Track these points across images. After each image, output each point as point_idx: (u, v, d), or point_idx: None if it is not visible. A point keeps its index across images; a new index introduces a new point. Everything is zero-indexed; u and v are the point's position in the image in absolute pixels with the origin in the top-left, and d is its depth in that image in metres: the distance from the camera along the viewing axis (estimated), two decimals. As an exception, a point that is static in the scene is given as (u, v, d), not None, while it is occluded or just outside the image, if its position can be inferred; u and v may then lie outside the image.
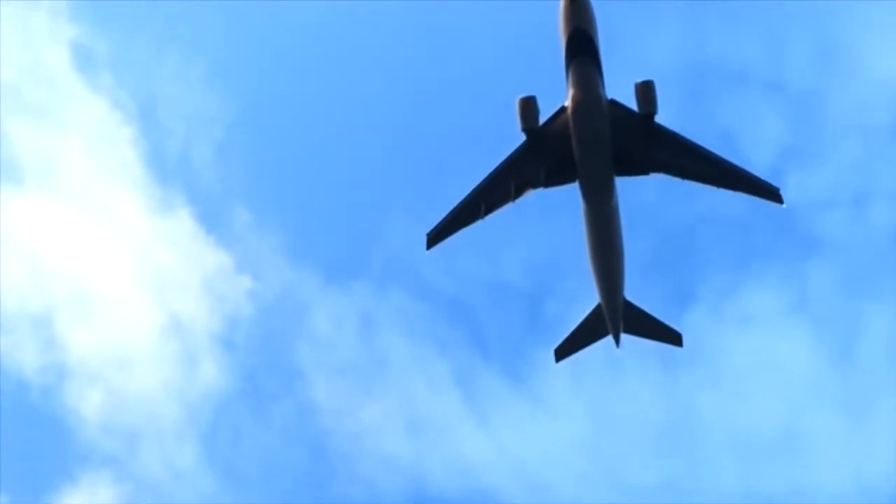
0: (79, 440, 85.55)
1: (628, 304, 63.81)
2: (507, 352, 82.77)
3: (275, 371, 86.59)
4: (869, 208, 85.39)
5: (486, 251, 78.08)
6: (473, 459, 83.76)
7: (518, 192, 58.70)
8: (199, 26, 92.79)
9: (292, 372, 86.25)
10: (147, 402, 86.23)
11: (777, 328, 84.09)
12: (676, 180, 58.36)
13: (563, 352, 66.08)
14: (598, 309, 64.05)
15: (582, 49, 56.42)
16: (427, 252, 59.18)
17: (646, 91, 56.74)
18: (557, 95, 57.84)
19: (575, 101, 56.92)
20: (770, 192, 57.86)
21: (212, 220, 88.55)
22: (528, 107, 57.37)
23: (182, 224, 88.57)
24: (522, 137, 57.99)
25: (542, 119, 57.74)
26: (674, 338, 65.66)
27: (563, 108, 57.62)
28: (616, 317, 63.60)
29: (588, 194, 58.60)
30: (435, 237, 59.16)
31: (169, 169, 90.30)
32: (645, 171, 58.37)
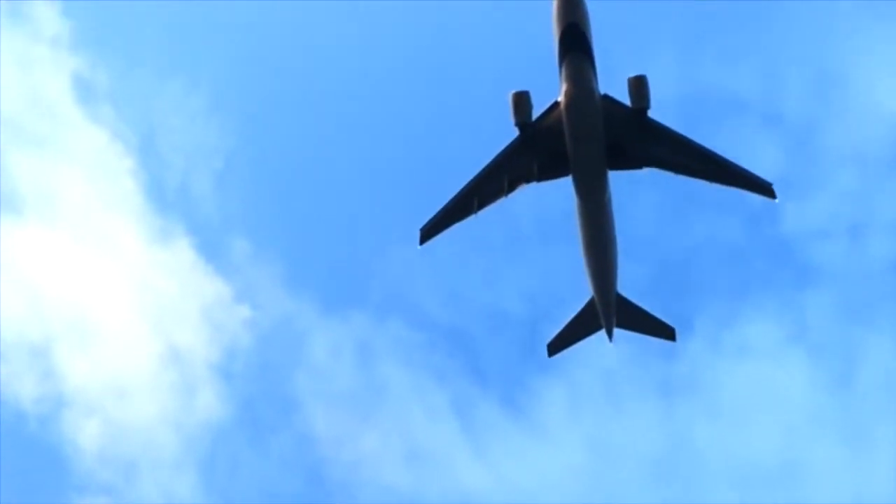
0: (76, 470, 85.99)
1: (621, 299, 63.97)
2: (505, 381, 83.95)
3: (273, 400, 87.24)
4: (865, 238, 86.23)
5: (484, 279, 79.15)
6: (471, 488, 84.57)
7: (511, 187, 58.78)
8: (198, 59, 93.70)
9: (290, 401, 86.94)
10: (145, 432, 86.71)
11: (775, 357, 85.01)
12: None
13: (555, 346, 66.25)
14: (591, 303, 64.20)
15: (575, 44, 56.54)
16: (420, 247, 59.40)
17: (639, 86, 56.88)
18: (551, 91, 58.10)
19: (568, 95, 57.04)
20: (763, 188, 57.94)
21: (211, 249, 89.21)
22: (522, 101, 57.47)
23: (181, 254, 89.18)
24: (516, 132, 58.16)
25: (536, 114, 57.90)
26: (667, 332, 65.81)
27: (556, 103, 57.74)
28: (609, 311, 63.73)
29: (581, 188, 58.73)
30: (428, 232, 59.24)
31: (168, 199, 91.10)
32: (638, 166, 58.52)
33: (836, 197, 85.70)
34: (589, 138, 57.43)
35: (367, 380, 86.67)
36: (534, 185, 58.98)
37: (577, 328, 65.49)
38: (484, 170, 58.57)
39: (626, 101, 57.28)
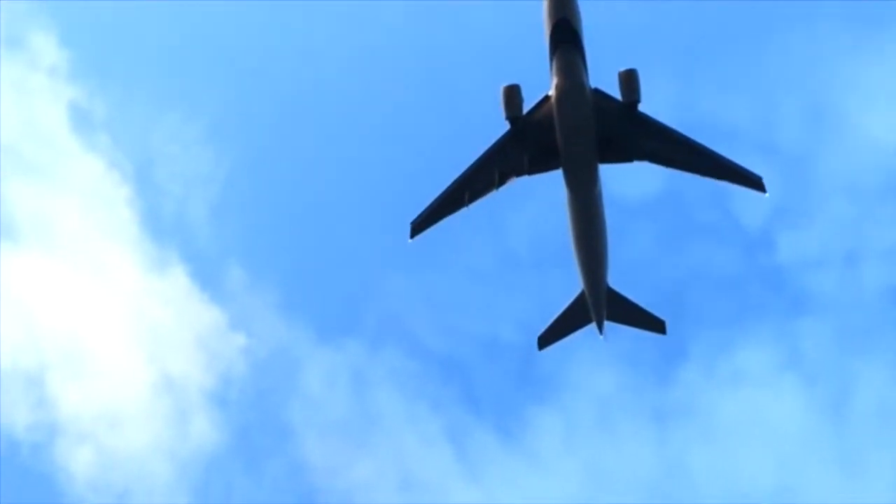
0: (69, 498, 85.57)
1: (612, 292, 64.07)
2: (500, 408, 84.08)
3: (267, 428, 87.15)
4: (859, 267, 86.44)
5: (478, 308, 79.48)
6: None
7: (502, 180, 58.86)
8: (193, 88, 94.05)
9: (285, 429, 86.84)
10: (138, 460, 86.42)
11: (769, 385, 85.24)
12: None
13: (546, 340, 66.31)
14: (581, 296, 64.29)
15: (566, 38, 56.68)
16: (411, 241, 59.41)
17: (629, 79, 57.04)
18: (542, 85, 58.22)
19: (559, 89, 57.16)
20: (752, 182, 58.06)
21: (206, 277, 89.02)
22: (513, 95, 57.59)
23: (176, 282, 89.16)
24: (507, 126, 58.26)
25: (527, 107, 58.01)
26: (657, 325, 65.94)
27: (547, 97, 57.86)
28: (599, 304, 63.82)
29: (572, 182, 58.83)
30: (419, 226, 59.24)
31: (164, 228, 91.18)
32: (629, 159, 58.64)
33: (831, 226, 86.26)
34: (580, 132, 57.53)
35: (362, 408, 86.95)
36: (525, 178, 59.13)
37: (568, 321, 65.56)
38: (475, 163, 58.65)
39: (618, 96, 57.51)
